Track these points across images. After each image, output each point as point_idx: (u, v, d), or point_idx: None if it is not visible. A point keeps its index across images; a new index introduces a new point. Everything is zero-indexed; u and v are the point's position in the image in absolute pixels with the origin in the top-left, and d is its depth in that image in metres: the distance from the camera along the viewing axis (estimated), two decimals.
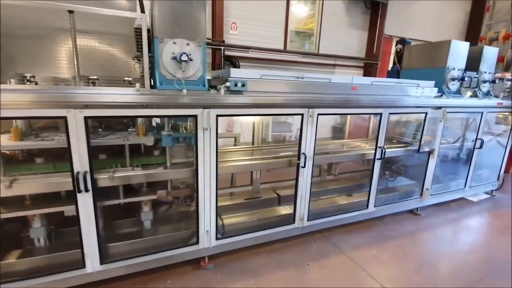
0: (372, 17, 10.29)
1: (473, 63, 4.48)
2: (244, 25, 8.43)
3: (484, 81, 4.48)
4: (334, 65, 10.16)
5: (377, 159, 3.63)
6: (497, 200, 5.22)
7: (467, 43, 4.13)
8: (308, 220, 3.40)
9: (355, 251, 3.39)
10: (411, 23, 11.15)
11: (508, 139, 5.04)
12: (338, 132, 5.10)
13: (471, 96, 4.46)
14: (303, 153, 3.10)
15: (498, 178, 5.26)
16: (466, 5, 12.24)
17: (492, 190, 5.41)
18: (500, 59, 7.10)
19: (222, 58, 8.04)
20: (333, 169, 4.03)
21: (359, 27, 10.28)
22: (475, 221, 4.40)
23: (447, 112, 4.03)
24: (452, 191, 4.72)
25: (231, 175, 4.05)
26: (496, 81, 4.46)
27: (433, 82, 3.96)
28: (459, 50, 4.07)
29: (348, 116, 4.71)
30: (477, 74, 4.38)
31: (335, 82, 3.22)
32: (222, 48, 7.94)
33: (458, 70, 4.12)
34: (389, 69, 5.10)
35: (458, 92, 4.24)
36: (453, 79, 4.10)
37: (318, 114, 3.06)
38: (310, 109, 3.00)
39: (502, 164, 5.18)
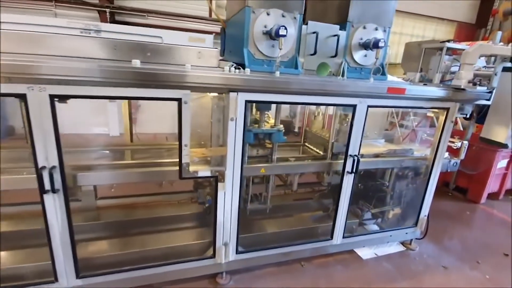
0: None
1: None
2: None
3: (364, 45, 2.30)
4: None
5: (45, 192, 1.74)
6: (410, 258, 3.04)
7: None
8: None
9: None
10: None
11: (434, 163, 2.81)
12: None
13: (334, 74, 2.34)
14: None
15: (416, 223, 3.07)
16: None
17: (410, 241, 3.23)
18: None
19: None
20: None
21: None
22: None
23: (249, 102, 2.00)
24: (306, 244, 2.66)
25: None
26: (380, 45, 2.21)
27: (208, 39, 1.94)
28: None
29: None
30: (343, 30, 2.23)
31: None
32: (107, 10, 6.16)
33: (285, 16, 2.02)
34: None
35: (291, 65, 2.14)
36: (271, 36, 2.01)
37: None
38: None
39: (423, 201, 2.97)
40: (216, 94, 2.03)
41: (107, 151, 2.55)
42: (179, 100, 1.82)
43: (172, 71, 1.72)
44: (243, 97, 1.94)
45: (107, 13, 6.15)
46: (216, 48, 1.94)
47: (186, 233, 2.69)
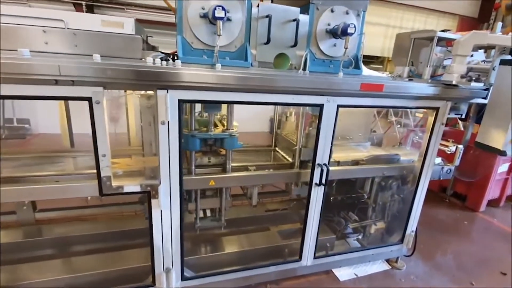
0: None
1: None
2: None
3: (332, 32, 1.91)
4: None
5: None
6: (394, 279, 2.65)
7: None
8: None
9: None
10: None
11: (422, 171, 2.42)
12: None
13: (295, 68, 1.95)
14: None
15: (402, 239, 2.68)
16: None
17: (397, 258, 2.85)
18: None
19: None
20: None
21: None
22: None
23: (184, 101, 1.63)
24: (270, 266, 2.30)
25: None
26: (350, 31, 1.81)
27: (128, 25, 1.57)
28: None
29: None
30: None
31: None
32: (84, 3, 5.81)
33: None
34: None
35: (241, 56, 1.77)
36: (210, 20, 1.63)
37: None
38: None
39: (409, 215, 2.58)
40: (145, 92, 1.66)
41: (36, 159, 2.19)
42: (88, 99, 1.45)
43: (76, 63, 1.36)
44: (175, 95, 1.57)
45: (83, 6, 5.81)
46: (138, 36, 1.57)
47: (132, 253, 2.33)
